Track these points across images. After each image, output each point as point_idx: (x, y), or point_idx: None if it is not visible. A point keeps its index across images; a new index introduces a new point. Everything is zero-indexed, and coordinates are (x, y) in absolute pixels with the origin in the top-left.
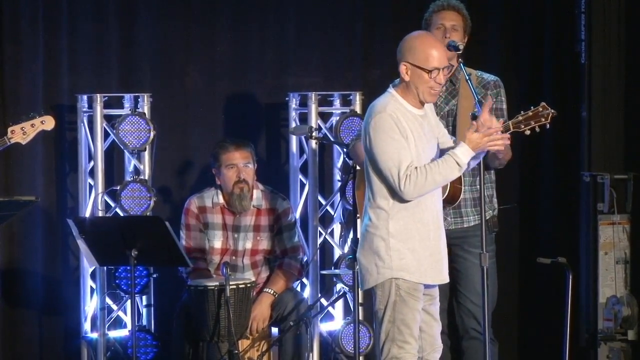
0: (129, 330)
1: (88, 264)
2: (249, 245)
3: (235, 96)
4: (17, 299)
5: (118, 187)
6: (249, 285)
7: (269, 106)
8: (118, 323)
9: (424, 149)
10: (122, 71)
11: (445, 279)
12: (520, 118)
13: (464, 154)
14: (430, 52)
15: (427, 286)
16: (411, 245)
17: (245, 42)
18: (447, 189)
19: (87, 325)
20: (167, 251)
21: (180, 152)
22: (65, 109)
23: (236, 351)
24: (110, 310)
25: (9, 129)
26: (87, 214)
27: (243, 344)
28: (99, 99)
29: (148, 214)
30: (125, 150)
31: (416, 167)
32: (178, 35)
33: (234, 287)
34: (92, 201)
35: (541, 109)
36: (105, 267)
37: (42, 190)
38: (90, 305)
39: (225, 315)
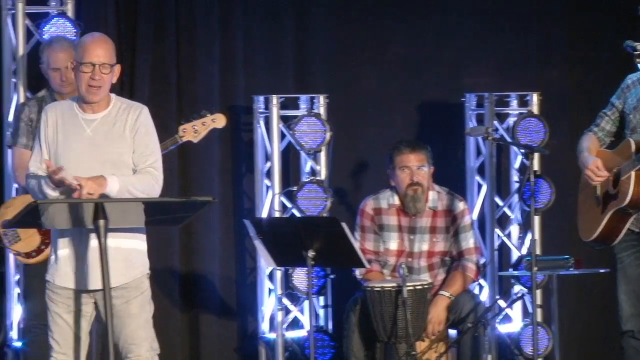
0: (307, 331)
1: (265, 265)
2: (425, 247)
3: (411, 97)
4: (195, 299)
5: (295, 188)
6: (426, 286)
7: (444, 107)
8: (295, 324)
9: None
10: (298, 72)
11: None
12: None
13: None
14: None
15: None
16: None
17: (420, 42)
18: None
19: (264, 326)
20: (344, 252)
21: (356, 152)
22: (241, 110)
23: (413, 352)
24: (288, 311)
25: (181, 128)
26: (264, 215)
27: (420, 345)
28: (275, 100)
29: (324, 214)
30: (301, 151)
31: None
32: (353, 36)
33: (411, 288)
34: (269, 202)
35: None
36: (282, 268)
37: (218, 191)
38: (268, 306)
39: (403, 317)
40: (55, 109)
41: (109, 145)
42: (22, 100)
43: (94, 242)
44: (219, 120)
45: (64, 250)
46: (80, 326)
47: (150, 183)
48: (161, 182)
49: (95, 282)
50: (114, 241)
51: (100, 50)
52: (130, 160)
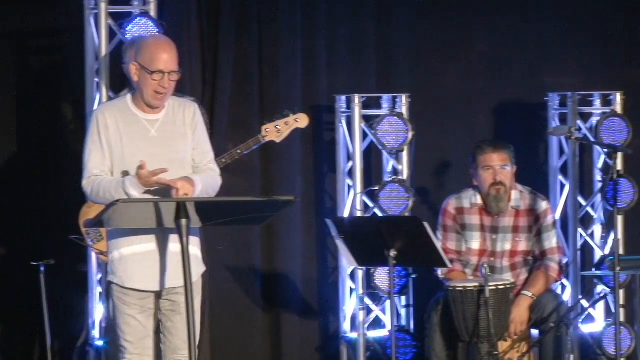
0: (388, 331)
1: (347, 265)
2: (507, 246)
3: (493, 96)
4: (277, 298)
5: (377, 188)
6: (508, 286)
7: (527, 106)
8: (377, 323)
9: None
10: (380, 71)
11: None
12: None
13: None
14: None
15: None
16: None
17: (503, 42)
18: None
19: (346, 326)
20: (426, 252)
21: (438, 152)
22: (323, 110)
23: (496, 352)
24: (370, 311)
25: (263, 127)
26: (346, 215)
27: (503, 345)
28: (357, 99)
29: (406, 214)
30: (383, 151)
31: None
32: (435, 35)
33: (494, 288)
34: (351, 201)
35: None
36: (364, 267)
37: (300, 190)
38: (349, 305)
39: (485, 316)
40: (111, 109)
41: (174, 144)
42: (104, 99)
43: (169, 241)
44: (301, 120)
45: (131, 251)
46: (150, 325)
47: (215, 180)
48: (220, 179)
49: (166, 281)
50: (176, 245)
51: (169, 57)
52: (191, 157)
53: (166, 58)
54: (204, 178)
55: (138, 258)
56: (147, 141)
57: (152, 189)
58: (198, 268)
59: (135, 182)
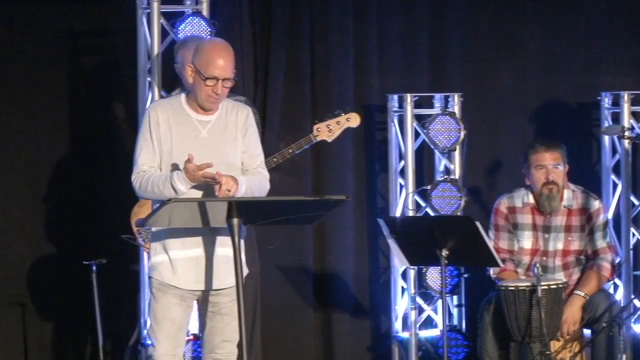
0: (440, 330)
1: (399, 264)
2: (560, 245)
3: (546, 95)
4: (328, 298)
5: (428, 187)
6: (560, 285)
7: (579, 106)
8: (429, 323)
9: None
10: (432, 71)
11: None
12: None
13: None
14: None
15: None
16: None
17: (556, 41)
18: None
19: (397, 325)
20: (478, 251)
21: (490, 151)
22: (375, 109)
23: (548, 352)
24: (421, 310)
25: (315, 127)
26: (398, 214)
27: (555, 345)
28: (409, 98)
29: (458, 213)
30: (435, 150)
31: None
32: (488, 35)
33: (546, 287)
34: (403, 201)
35: None
36: (416, 267)
37: (352, 189)
38: (401, 305)
39: (537, 316)
40: (164, 107)
41: (223, 146)
42: (156, 99)
43: (212, 243)
44: (353, 120)
45: (176, 250)
46: (186, 323)
47: (263, 184)
48: (268, 183)
49: (208, 283)
50: (223, 249)
51: (225, 63)
52: (240, 161)
53: (222, 65)
54: (251, 179)
55: (182, 261)
56: (197, 142)
57: (200, 184)
58: (245, 271)
59: (183, 177)
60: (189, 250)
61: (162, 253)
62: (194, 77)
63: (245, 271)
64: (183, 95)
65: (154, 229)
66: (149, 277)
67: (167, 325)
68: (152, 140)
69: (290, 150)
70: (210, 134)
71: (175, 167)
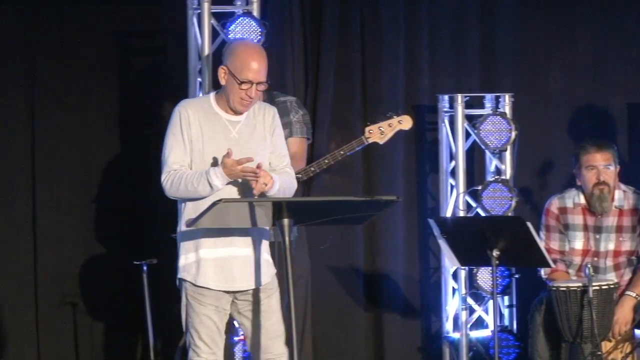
0: (491, 331)
1: (449, 264)
2: (611, 246)
3: (597, 95)
4: (379, 298)
5: (479, 187)
6: (612, 286)
7: (630, 106)
8: (480, 323)
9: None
10: (483, 71)
11: None
12: None
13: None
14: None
15: None
16: None
17: (608, 41)
18: None
19: (448, 326)
20: (529, 252)
21: (541, 152)
22: (425, 109)
23: (599, 352)
24: (472, 311)
25: (367, 129)
26: (449, 214)
27: (606, 345)
28: (460, 99)
29: (509, 214)
30: (486, 150)
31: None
32: (539, 35)
33: (597, 288)
34: (453, 201)
35: None
36: (466, 267)
37: (402, 190)
38: (452, 305)
39: (588, 317)
40: (194, 107)
41: (253, 147)
42: None
43: (242, 244)
44: (405, 122)
45: (209, 251)
46: (223, 326)
47: (292, 183)
48: (296, 182)
49: (243, 283)
50: (248, 250)
51: (259, 67)
52: (268, 161)
53: (256, 68)
54: (282, 178)
55: (211, 262)
56: (228, 141)
57: (233, 180)
58: (270, 269)
59: (220, 172)
60: (220, 248)
61: (193, 253)
62: (227, 80)
63: (272, 270)
64: (212, 95)
65: (183, 228)
66: (181, 280)
67: (205, 331)
68: (183, 139)
69: (342, 152)
70: (240, 134)
71: (208, 165)
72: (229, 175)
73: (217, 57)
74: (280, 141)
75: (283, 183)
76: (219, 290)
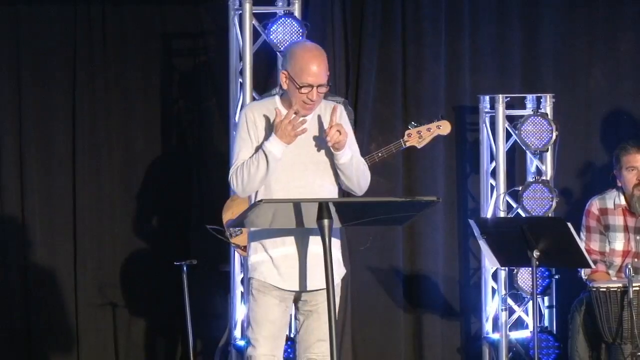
0: (531, 331)
1: (489, 265)
2: None
3: (638, 96)
4: (418, 299)
5: (520, 188)
6: None
7: None
8: (520, 324)
9: None
10: (525, 71)
11: None
12: None
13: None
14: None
15: None
16: None
17: None
18: None
19: (488, 326)
20: (569, 252)
21: (582, 152)
22: (466, 110)
23: (639, 353)
24: (512, 311)
25: (406, 132)
26: (489, 215)
27: None
28: (501, 99)
29: (550, 214)
30: (527, 151)
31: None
32: (581, 35)
33: (637, 288)
34: (494, 202)
35: None
36: (506, 268)
37: (443, 190)
38: (492, 306)
39: (628, 317)
40: (260, 108)
41: (319, 145)
42: (248, 100)
43: (311, 243)
44: (444, 127)
45: (277, 250)
46: (285, 323)
47: (365, 169)
48: (369, 172)
49: (307, 283)
50: (317, 247)
51: (318, 70)
52: (333, 160)
53: (315, 71)
54: (355, 155)
55: (280, 261)
56: (294, 141)
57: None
58: (339, 270)
59: (274, 138)
60: (286, 251)
61: (262, 252)
62: (288, 84)
63: (343, 271)
64: (277, 97)
65: (252, 228)
66: (249, 278)
67: (267, 326)
68: (250, 140)
69: (380, 155)
70: (306, 133)
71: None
72: (281, 138)
73: (259, 58)
74: (349, 137)
75: (358, 160)
76: (287, 290)
